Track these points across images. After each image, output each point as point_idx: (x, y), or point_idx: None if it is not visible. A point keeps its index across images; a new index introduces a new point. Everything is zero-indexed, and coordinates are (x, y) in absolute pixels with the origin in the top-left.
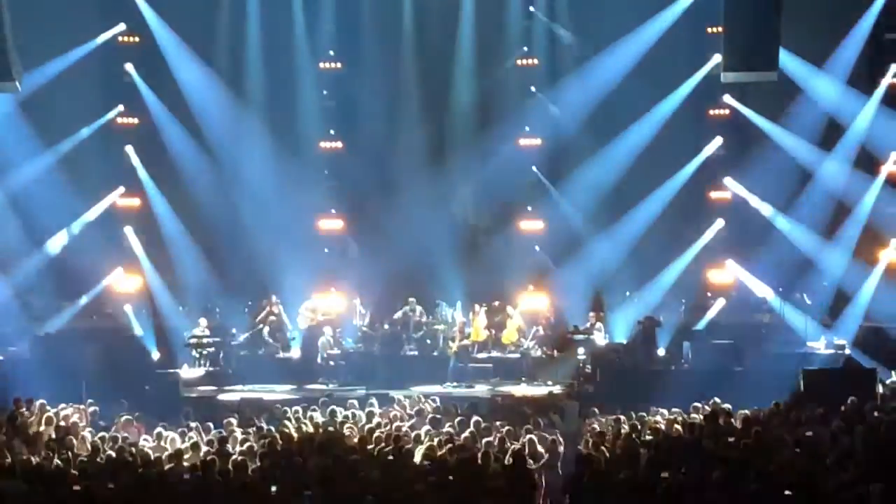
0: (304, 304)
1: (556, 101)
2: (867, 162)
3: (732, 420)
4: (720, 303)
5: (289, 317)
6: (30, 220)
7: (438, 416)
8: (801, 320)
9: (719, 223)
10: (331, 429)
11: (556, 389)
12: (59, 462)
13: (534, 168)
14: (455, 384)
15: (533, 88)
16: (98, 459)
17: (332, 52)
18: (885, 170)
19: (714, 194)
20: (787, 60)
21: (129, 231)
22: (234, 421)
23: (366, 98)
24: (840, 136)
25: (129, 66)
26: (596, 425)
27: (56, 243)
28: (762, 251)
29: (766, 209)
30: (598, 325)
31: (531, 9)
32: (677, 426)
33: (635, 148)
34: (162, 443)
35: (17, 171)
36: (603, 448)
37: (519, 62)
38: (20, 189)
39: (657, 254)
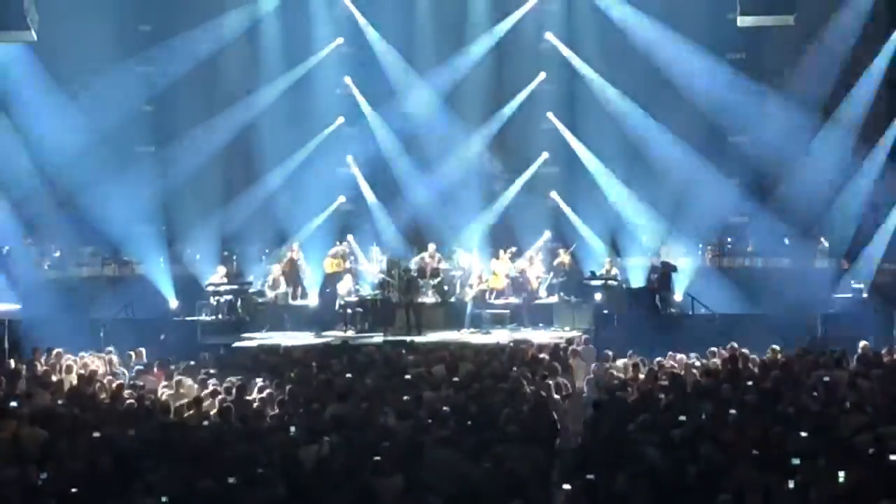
0: (331, 250)
1: (571, 45)
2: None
3: (750, 364)
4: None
5: (308, 264)
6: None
7: (455, 362)
8: (820, 263)
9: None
10: (348, 375)
11: (574, 335)
12: (79, 410)
13: (549, 114)
14: (472, 330)
15: (549, 34)
16: (118, 407)
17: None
18: None
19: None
20: None
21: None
22: (252, 367)
23: (380, 45)
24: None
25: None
26: (613, 370)
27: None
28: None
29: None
30: (615, 270)
31: None
32: (695, 371)
33: (652, 92)
34: (181, 390)
35: (35, 119)
36: (620, 393)
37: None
38: (40, 133)
39: (673, 198)
